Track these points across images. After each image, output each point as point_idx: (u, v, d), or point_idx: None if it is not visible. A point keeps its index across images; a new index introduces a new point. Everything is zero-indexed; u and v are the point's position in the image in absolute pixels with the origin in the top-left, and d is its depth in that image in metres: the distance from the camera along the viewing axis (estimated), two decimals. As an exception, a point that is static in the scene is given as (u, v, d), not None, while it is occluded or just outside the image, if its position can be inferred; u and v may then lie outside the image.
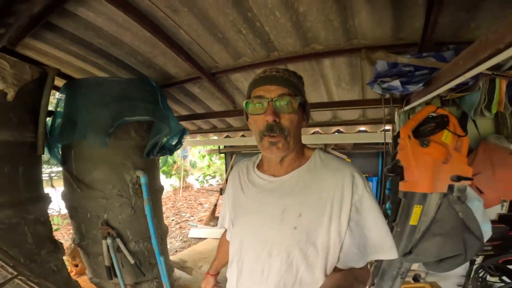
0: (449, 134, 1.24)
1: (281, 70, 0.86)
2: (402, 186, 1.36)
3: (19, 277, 1.51)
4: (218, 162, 10.91)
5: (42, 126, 1.80)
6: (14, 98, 1.57)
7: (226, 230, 1.13)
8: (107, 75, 2.18)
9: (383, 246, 0.82)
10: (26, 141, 1.74)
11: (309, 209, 0.84)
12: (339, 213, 0.82)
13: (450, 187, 1.30)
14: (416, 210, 1.32)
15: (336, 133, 3.08)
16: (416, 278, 2.02)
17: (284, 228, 0.84)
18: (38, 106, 1.79)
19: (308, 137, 3.27)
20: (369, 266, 0.82)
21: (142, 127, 2.16)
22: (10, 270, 1.48)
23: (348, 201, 0.82)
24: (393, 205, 1.60)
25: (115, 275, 2.10)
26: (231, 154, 5.85)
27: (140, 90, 2.09)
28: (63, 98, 2.05)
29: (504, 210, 1.89)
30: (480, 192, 1.45)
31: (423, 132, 1.31)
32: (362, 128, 2.79)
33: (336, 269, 0.85)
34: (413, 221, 1.37)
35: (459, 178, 1.24)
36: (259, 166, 0.99)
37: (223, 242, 1.18)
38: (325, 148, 4.03)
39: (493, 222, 1.76)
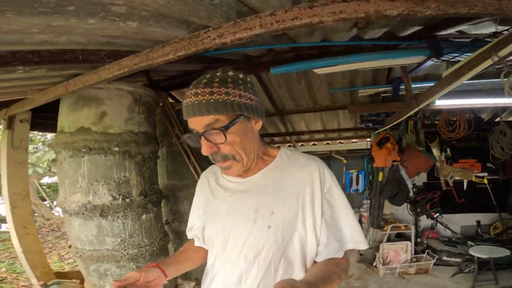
0: (389, 144, 3.22)
1: (201, 88, 0.75)
2: (374, 164, 3.34)
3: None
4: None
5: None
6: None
7: (193, 239, 1.02)
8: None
9: (357, 236, 0.85)
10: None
11: (281, 206, 0.82)
12: (312, 207, 0.82)
13: (392, 165, 3.28)
14: (380, 174, 3.29)
15: (339, 143, 5.08)
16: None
17: (258, 228, 0.82)
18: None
19: (321, 145, 5.22)
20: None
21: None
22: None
23: (319, 195, 0.82)
24: (370, 184, 3.60)
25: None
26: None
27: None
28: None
29: (425, 180, 3.92)
30: (406, 168, 3.43)
31: (380, 143, 3.29)
32: (355, 140, 4.82)
33: (316, 263, 0.84)
34: (380, 179, 3.34)
35: (394, 161, 3.22)
36: None
37: (188, 246, 1.04)
38: (330, 153, 5.96)
39: (420, 185, 3.80)
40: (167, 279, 0.87)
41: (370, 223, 3.80)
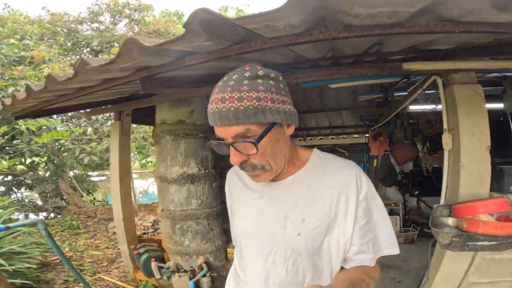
0: (382, 138, 4.17)
1: (228, 93, 0.68)
2: (370, 153, 4.30)
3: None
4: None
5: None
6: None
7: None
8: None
9: (391, 242, 0.83)
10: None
11: (313, 214, 0.80)
12: (345, 215, 0.80)
13: (384, 154, 4.23)
14: (375, 161, 4.25)
15: (342, 138, 6.04)
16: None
17: (287, 235, 0.81)
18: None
19: (327, 139, 6.16)
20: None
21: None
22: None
23: (354, 202, 0.79)
24: (368, 171, 4.55)
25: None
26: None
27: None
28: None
29: (411, 168, 4.86)
30: (395, 156, 4.38)
31: (375, 136, 4.24)
32: (356, 136, 5.79)
33: (344, 269, 0.84)
34: (375, 164, 4.29)
35: (386, 151, 4.18)
36: None
37: None
38: (334, 146, 6.90)
39: (407, 171, 4.75)
40: None
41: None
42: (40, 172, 6.51)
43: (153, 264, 2.66)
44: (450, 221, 1.59)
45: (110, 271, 3.67)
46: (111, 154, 3.02)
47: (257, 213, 0.87)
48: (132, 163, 5.78)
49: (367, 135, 5.18)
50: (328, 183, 0.82)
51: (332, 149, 6.61)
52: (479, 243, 1.41)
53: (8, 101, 2.09)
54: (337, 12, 0.94)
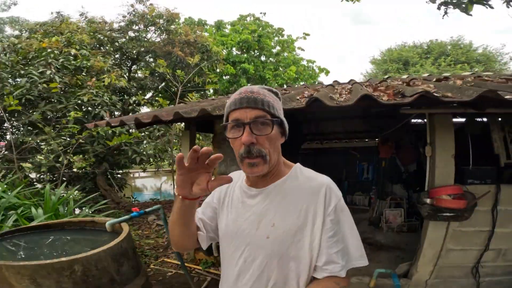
0: (389, 142, 5.03)
1: (255, 89, 0.89)
2: (379, 155, 5.18)
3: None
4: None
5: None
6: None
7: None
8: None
9: (359, 253, 0.89)
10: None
11: (283, 220, 0.88)
12: (312, 225, 0.86)
13: (391, 156, 5.10)
14: (383, 162, 5.14)
15: (355, 141, 6.92)
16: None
17: (258, 236, 0.90)
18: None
19: (341, 142, 7.02)
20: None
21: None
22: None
23: (321, 213, 0.86)
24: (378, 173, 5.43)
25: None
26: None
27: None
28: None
29: (415, 168, 5.70)
30: (400, 158, 5.23)
31: (383, 141, 5.11)
32: (366, 140, 6.66)
33: (315, 279, 0.89)
34: (383, 165, 5.17)
35: (392, 153, 5.04)
36: (246, 177, 1.00)
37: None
38: (347, 149, 7.73)
39: (411, 172, 5.58)
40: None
41: (377, 197, 5.60)
42: (74, 169, 6.38)
43: (214, 244, 3.22)
44: (428, 200, 2.49)
45: (169, 256, 4.15)
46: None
47: (237, 215, 0.97)
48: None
49: (376, 139, 6.04)
50: (301, 194, 0.90)
51: (345, 151, 7.43)
52: (444, 214, 2.31)
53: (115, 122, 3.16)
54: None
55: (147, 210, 2.57)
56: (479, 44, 17.68)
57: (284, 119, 0.95)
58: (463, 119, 3.18)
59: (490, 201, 2.60)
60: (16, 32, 10.20)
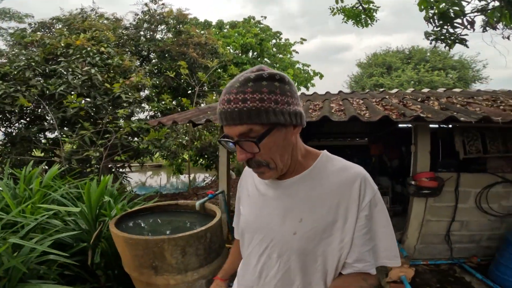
0: (379, 143, 6.20)
1: (234, 93, 0.72)
2: (371, 152, 6.34)
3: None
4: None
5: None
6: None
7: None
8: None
9: (392, 253, 0.83)
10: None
11: (311, 215, 0.82)
12: (344, 221, 0.80)
13: (380, 153, 6.27)
14: (373, 158, 6.31)
15: (348, 140, 8.08)
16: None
17: (284, 232, 0.84)
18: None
19: (336, 140, 8.15)
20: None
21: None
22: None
23: (355, 209, 0.80)
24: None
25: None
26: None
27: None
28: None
29: (397, 163, 6.93)
30: (387, 155, 6.41)
31: (374, 141, 6.26)
32: (358, 139, 7.84)
33: (341, 274, 0.85)
34: (373, 161, 6.34)
35: (381, 151, 6.22)
36: None
37: (236, 245, 1.15)
38: (342, 147, 8.87)
39: (395, 167, 6.80)
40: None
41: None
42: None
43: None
44: (413, 182, 3.62)
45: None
46: (220, 154, 4.60)
47: (260, 208, 0.91)
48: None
49: (366, 139, 7.20)
50: (331, 186, 0.82)
51: (340, 149, 8.50)
52: (424, 191, 3.44)
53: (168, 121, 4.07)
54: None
55: (215, 192, 3.45)
56: (456, 51, 19.50)
57: (291, 108, 0.76)
58: (436, 126, 4.33)
59: (453, 184, 3.62)
60: (12, 24, 10.19)
